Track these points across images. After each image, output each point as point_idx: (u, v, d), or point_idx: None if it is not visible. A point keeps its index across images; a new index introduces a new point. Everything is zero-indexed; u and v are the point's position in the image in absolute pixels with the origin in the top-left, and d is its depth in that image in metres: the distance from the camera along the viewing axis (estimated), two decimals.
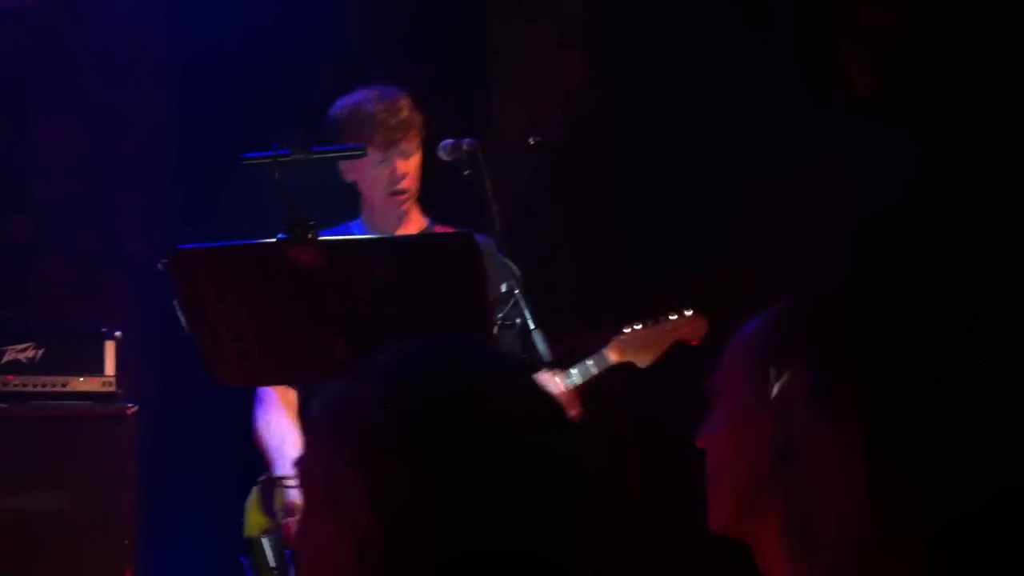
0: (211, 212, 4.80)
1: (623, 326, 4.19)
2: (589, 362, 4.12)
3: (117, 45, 5.39)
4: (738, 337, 1.84)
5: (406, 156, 4.07)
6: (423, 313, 3.12)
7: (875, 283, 1.78)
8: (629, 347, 4.14)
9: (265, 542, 3.91)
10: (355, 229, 4.18)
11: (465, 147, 3.75)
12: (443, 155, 3.90)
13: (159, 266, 3.15)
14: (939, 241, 3.85)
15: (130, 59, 5.41)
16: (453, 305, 3.13)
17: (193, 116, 5.35)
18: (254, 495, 4.15)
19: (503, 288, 3.43)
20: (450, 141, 3.88)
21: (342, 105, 4.11)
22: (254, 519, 4.15)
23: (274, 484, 4.05)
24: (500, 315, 3.40)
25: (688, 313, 4.21)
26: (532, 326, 3.32)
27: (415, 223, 4.17)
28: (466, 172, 3.74)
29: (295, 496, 3.86)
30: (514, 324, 3.36)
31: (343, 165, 4.12)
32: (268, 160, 3.27)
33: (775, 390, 1.75)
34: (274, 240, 3.08)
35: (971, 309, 1.68)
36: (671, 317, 4.21)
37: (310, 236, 3.09)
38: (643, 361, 4.15)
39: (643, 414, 4.97)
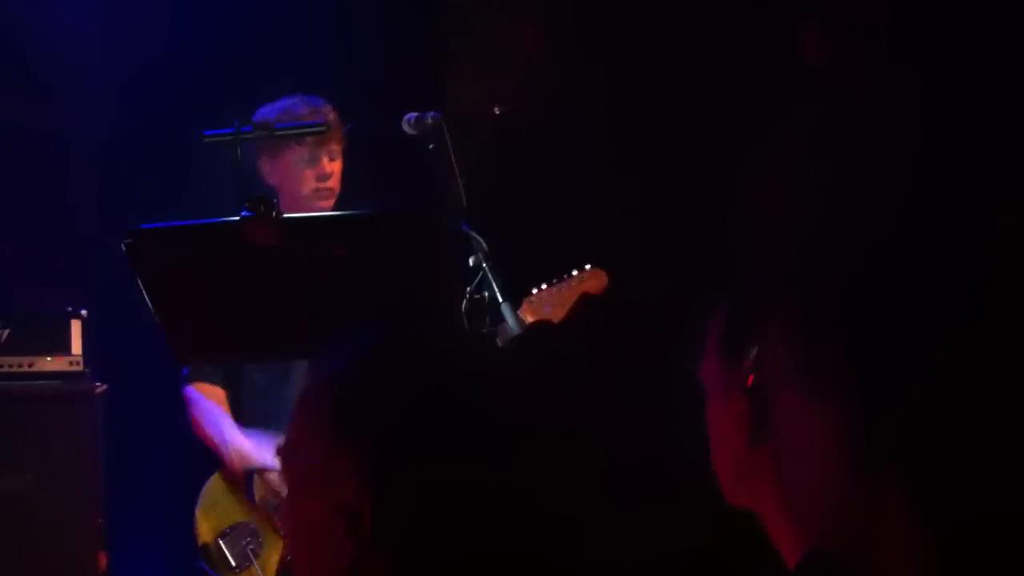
0: (172, 192, 4.77)
1: (529, 288, 4.36)
2: (502, 328, 4.23)
3: (69, 28, 5.34)
4: (710, 323, 1.83)
5: (332, 157, 4.23)
6: (387, 291, 3.10)
7: (858, 258, 1.74)
8: (539, 306, 4.28)
9: (222, 544, 3.99)
10: None
11: (430, 120, 3.72)
12: (407, 128, 3.87)
13: (122, 245, 3.12)
14: (922, 217, 3.83)
15: (84, 41, 5.35)
16: (418, 282, 3.11)
17: (151, 97, 5.31)
18: (203, 500, 4.23)
19: (471, 261, 3.40)
20: (414, 115, 3.85)
21: (271, 108, 4.22)
22: (206, 525, 4.28)
23: (253, 474, 4.11)
24: (468, 288, 3.38)
25: (587, 267, 4.39)
26: (500, 299, 3.29)
27: None
28: (431, 146, 3.70)
29: (279, 482, 3.92)
30: (483, 297, 3.34)
31: (266, 167, 4.23)
32: (230, 137, 3.24)
33: (749, 364, 1.74)
34: (236, 218, 3.04)
35: (963, 289, 1.66)
36: (574, 273, 4.38)
37: (274, 214, 3.06)
38: (555, 317, 4.32)
39: None
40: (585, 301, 4.40)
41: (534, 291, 4.34)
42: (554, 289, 4.36)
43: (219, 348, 3.20)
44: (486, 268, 3.33)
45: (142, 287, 3.13)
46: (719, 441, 1.79)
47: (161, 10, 5.27)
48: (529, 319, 4.24)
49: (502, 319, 3.31)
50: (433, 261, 3.07)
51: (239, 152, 3.15)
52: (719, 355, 1.78)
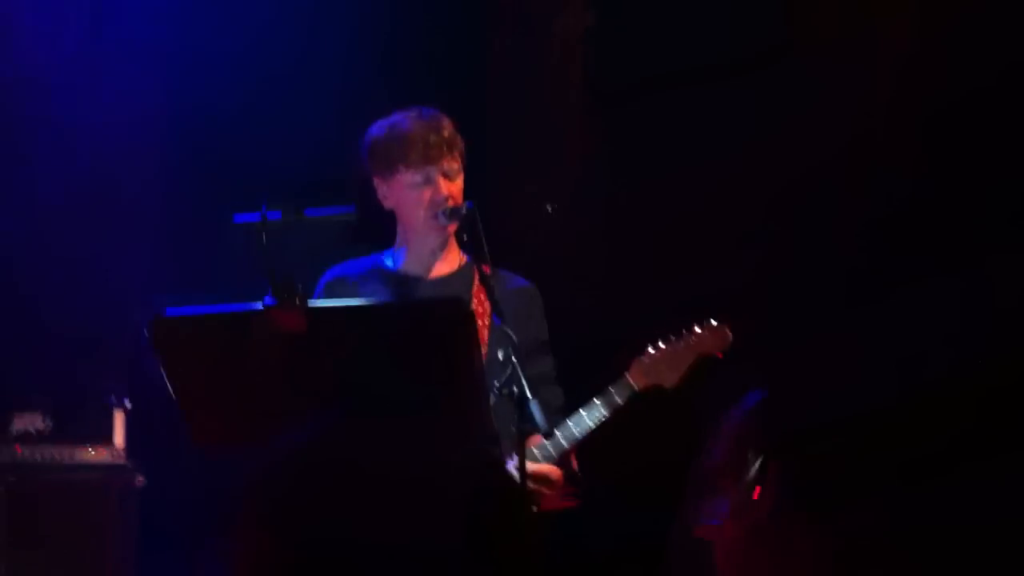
0: (217, 273, 4.73)
1: (643, 347, 3.95)
2: (608, 395, 3.87)
3: (119, 112, 5.39)
4: (729, 424, 1.79)
5: (450, 177, 3.81)
6: (413, 381, 3.03)
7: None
8: (652, 369, 3.88)
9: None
10: (385, 262, 3.95)
11: (464, 211, 3.65)
12: (442, 220, 3.80)
13: (144, 331, 3.08)
14: None
15: (130, 127, 5.39)
16: (446, 373, 3.04)
17: (198, 176, 5.34)
18: None
19: (500, 355, 3.31)
20: (448, 208, 3.79)
21: (379, 125, 3.89)
22: None
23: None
24: (497, 384, 3.28)
25: (712, 323, 3.95)
26: (529, 395, 3.20)
27: (453, 255, 3.92)
28: (463, 236, 3.64)
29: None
30: (511, 393, 3.24)
31: (382, 191, 3.87)
32: (257, 224, 3.20)
33: (751, 474, 1.72)
34: (259, 305, 2.99)
35: None
36: (695, 329, 3.95)
37: (297, 301, 3.01)
38: (669, 382, 3.87)
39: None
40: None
41: (649, 350, 3.94)
42: (669, 349, 3.92)
43: (239, 434, 3.14)
44: (515, 363, 3.23)
45: (163, 372, 3.10)
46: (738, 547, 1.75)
47: (208, 88, 5.33)
48: (639, 385, 3.88)
49: (530, 417, 3.20)
50: (462, 348, 3.00)
51: (264, 238, 3.10)
52: (744, 467, 1.76)
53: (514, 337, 3.29)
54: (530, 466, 3.65)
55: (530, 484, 3.61)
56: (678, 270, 5.12)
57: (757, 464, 1.71)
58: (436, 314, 3.09)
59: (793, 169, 5.01)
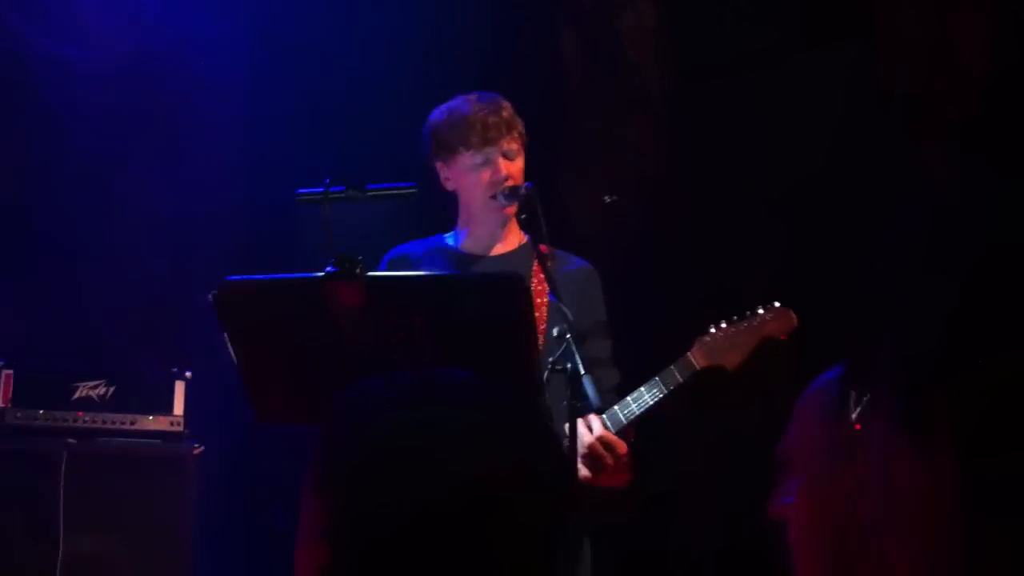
0: (282, 251, 4.79)
1: (706, 327, 3.93)
2: (669, 374, 3.85)
3: (191, 96, 5.47)
4: (803, 401, 1.79)
5: (509, 157, 3.84)
6: (468, 354, 3.08)
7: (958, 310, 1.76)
8: (715, 349, 3.87)
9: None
10: (447, 241, 4.00)
11: (523, 191, 3.70)
12: (501, 200, 3.84)
13: (208, 297, 3.15)
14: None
15: (203, 109, 5.47)
16: (500, 347, 3.09)
17: (262, 159, 5.41)
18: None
19: (555, 332, 3.36)
20: (508, 187, 3.84)
21: (439, 110, 3.94)
22: None
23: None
24: (551, 359, 3.33)
25: (776, 305, 3.93)
26: (582, 371, 3.24)
27: (513, 236, 3.96)
28: (522, 216, 3.68)
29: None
30: (565, 369, 3.28)
31: (443, 172, 3.92)
32: (319, 197, 3.26)
33: (855, 415, 1.70)
34: (319, 274, 3.06)
35: None
36: (758, 311, 3.93)
37: (358, 271, 3.06)
38: (731, 363, 3.86)
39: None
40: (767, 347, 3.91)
41: (711, 329, 3.92)
42: (732, 329, 3.91)
43: (294, 407, 3.20)
44: (570, 339, 3.28)
45: (227, 340, 3.16)
46: (818, 533, 1.73)
47: (281, 79, 5.40)
48: (700, 364, 3.86)
49: (584, 393, 3.24)
50: (518, 321, 3.04)
51: (327, 211, 3.17)
52: (822, 440, 1.74)
53: (569, 315, 3.34)
54: (598, 432, 3.69)
55: (596, 447, 3.65)
56: (740, 253, 5.15)
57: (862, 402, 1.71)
58: (493, 287, 3.15)
59: (872, 153, 5.02)
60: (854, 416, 1.72)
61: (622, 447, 3.68)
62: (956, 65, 4.76)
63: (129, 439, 4.87)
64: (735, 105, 5.25)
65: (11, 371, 4.82)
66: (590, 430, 3.66)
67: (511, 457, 1.53)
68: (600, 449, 3.65)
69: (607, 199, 5.39)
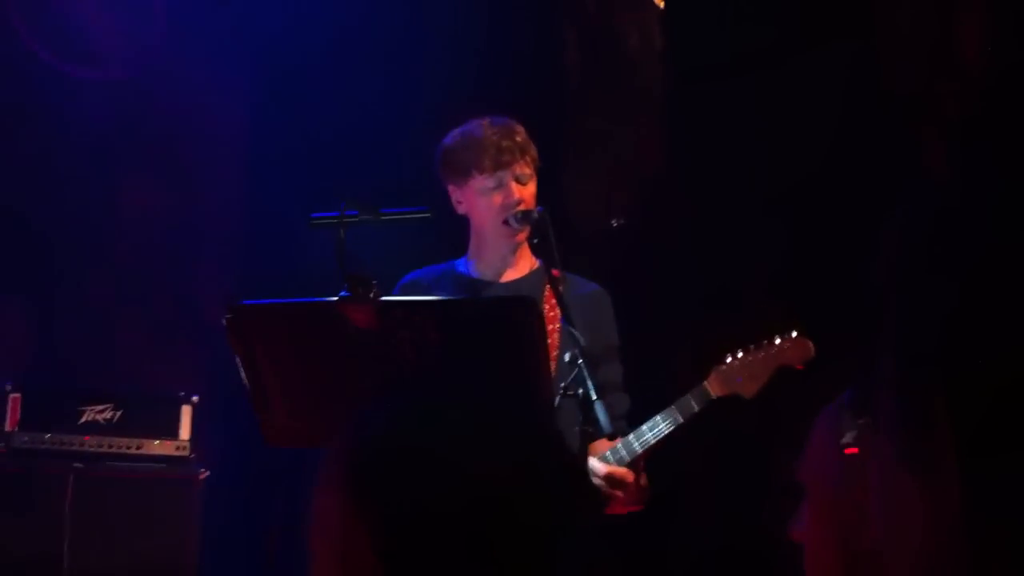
0: (293, 274, 4.80)
1: (723, 356, 3.93)
2: (685, 402, 3.85)
3: (199, 118, 5.48)
4: (815, 426, 1.80)
5: (522, 181, 3.84)
6: (479, 376, 3.08)
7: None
8: (732, 378, 3.87)
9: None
10: (458, 267, 4.00)
11: (535, 216, 3.70)
12: (513, 223, 3.84)
13: (223, 321, 3.15)
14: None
15: (212, 131, 5.49)
16: (511, 370, 3.08)
17: (268, 183, 5.42)
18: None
19: (567, 357, 3.35)
20: (520, 211, 3.84)
21: (451, 135, 3.94)
22: None
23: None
24: (563, 384, 3.33)
25: (793, 335, 3.92)
26: (594, 396, 3.23)
27: (525, 261, 3.96)
28: (534, 240, 3.68)
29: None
30: (576, 394, 3.28)
31: (456, 197, 3.92)
32: (334, 220, 3.26)
33: (849, 438, 1.71)
34: (331, 298, 3.05)
35: None
36: (775, 340, 3.92)
37: (372, 295, 3.06)
38: (748, 391, 3.86)
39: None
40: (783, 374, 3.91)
41: (727, 359, 3.92)
42: (749, 358, 3.90)
43: (303, 431, 3.19)
44: (582, 364, 3.27)
45: (239, 363, 3.15)
46: (826, 551, 1.74)
47: (299, 79, 5.41)
48: (717, 393, 3.86)
49: (595, 418, 3.24)
50: (531, 342, 3.04)
51: (341, 234, 3.17)
52: (830, 464, 1.75)
53: (582, 340, 3.33)
54: (605, 467, 3.69)
55: (603, 486, 3.66)
56: (740, 253, 5.16)
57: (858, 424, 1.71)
58: (505, 311, 3.14)
59: (872, 153, 5.03)
60: (849, 439, 1.72)
61: (630, 477, 3.69)
62: (956, 65, 4.78)
63: (136, 463, 4.87)
64: (735, 105, 5.26)
65: (19, 395, 4.81)
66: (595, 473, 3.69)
67: (511, 457, 1.53)
68: (609, 489, 3.67)
69: (615, 223, 5.39)
